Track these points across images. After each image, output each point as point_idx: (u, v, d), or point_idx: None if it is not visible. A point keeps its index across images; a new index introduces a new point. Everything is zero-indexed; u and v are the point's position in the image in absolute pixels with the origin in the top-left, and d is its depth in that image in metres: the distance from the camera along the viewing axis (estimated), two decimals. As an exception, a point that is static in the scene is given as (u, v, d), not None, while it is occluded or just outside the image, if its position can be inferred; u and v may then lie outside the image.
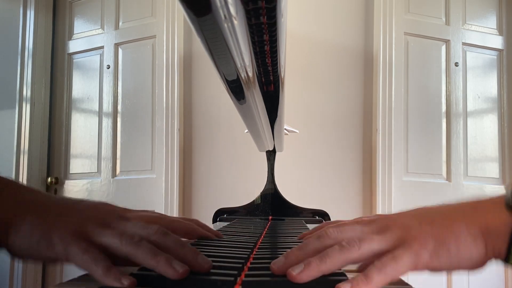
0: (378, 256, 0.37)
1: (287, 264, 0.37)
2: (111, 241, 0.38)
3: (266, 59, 0.52)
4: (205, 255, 0.50)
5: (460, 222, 0.37)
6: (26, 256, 0.39)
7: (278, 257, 0.39)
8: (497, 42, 2.35)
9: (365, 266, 0.40)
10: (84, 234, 0.39)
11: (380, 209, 2.06)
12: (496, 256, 0.37)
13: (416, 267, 0.37)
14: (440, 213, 0.39)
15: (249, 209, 1.32)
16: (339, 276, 0.37)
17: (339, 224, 0.43)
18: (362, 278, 0.35)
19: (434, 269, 0.37)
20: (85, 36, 2.53)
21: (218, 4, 0.33)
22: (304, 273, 0.35)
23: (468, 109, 2.28)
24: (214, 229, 0.63)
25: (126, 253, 0.38)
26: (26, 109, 2.45)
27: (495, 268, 2.32)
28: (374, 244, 0.37)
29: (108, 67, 2.43)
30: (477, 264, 0.37)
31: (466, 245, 0.36)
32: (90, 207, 0.43)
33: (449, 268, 0.37)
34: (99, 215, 0.42)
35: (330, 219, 1.32)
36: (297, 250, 0.40)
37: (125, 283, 0.34)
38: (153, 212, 0.59)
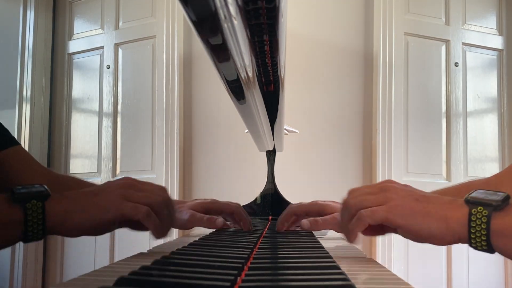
0: None
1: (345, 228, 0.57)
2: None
3: (266, 59, 0.52)
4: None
5: (433, 205, 0.51)
6: (84, 229, 0.53)
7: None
8: (497, 42, 2.35)
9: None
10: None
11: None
12: (463, 241, 0.49)
13: (386, 220, 0.51)
14: (425, 196, 0.53)
15: (249, 209, 1.31)
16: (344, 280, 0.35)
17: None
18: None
19: (400, 227, 0.51)
20: (85, 36, 2.52)
21: (218, 4, 0.33)
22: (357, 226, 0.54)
23: (468, 109, 2.28)
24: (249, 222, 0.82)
25: (127, 215, 0.54)
26: (26, 109, 2.45)
27: (495, 265, 2.30)
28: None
29: (108, 67, 2.43)
30: (436, 238, 0.50)
31: (430, 221, 0.50)
32: (116, 185, 0.58)
33: (411, 231, 0.50)
34: (120, 190, 0.56)
35: (330, 219, 1.32)
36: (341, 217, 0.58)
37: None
38: (211, 200, 0.85)
